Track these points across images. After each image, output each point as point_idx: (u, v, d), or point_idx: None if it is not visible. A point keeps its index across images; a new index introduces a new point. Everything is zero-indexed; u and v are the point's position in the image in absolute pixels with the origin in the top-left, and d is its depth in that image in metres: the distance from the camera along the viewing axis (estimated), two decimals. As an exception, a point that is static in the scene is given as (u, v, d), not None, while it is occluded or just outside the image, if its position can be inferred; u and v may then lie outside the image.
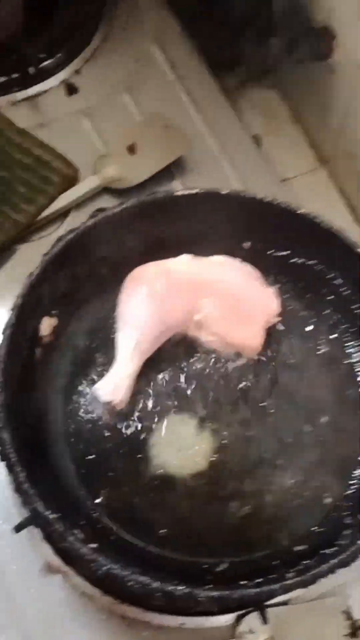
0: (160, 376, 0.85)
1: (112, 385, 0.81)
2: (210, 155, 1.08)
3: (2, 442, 0.72)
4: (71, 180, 1.01)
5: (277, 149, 1.16)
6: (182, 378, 0.85)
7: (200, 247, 0.87)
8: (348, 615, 0.83)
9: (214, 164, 1.08)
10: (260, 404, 0.85)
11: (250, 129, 1.16)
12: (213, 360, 0.86)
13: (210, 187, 0.85)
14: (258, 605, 0.77)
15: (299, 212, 0.85)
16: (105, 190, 1.02)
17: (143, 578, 0.68)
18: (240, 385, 0.86)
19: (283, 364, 0.87)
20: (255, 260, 0.89)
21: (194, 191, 0.84)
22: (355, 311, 0.88)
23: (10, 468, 0.72)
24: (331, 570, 0.71)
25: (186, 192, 0.85)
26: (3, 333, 0.76)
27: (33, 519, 0.73)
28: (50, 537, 0.78)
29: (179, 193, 0.85)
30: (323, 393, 0.86)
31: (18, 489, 0.71)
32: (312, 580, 0.71)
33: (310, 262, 0.89)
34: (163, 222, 0.86)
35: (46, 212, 0.98)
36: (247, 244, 0.89)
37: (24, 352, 0.80)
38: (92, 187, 1.00)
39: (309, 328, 0.90)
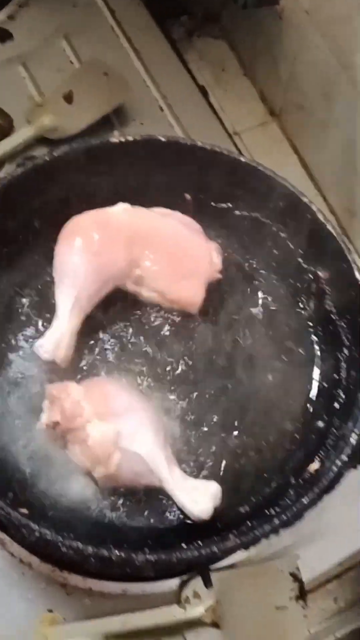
0: (100, 334, 0.82)
1: (54, 343, 0.77)
2: (153, 105, 1.04)
3: None
4: (5, 131, 0.96)
5: (227, 101, 1.12)
6: (123, 335, 0.82)
7: (139, 199, 0.83)
8: (295, 577, 0.81)
9: (157, 114, 1.04)
10: (202, 360, 0.82)
11: (198, 80, 1.11)
12: (156, 315, 0.83)
13: (149, 134, 0.81)
14: (200, 569, 0.74)
15: (242, 160, 0.81)
16: (41, 141, 0.97)
17: (76, 543, 0.65)
18: (181, 342, 0.83)
19: (225, 320, 0.84)
20: (197, 213, 0.85)
21: (131, 138, 0.80)
22: (302, 265, 0.85)
23: None
24: (274, 531, 0.69)
25: (123, 139, 0.80)
26: None
27: None
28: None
29: (115, 140, 0.81)
30: (266, 350, 0.83)
31: None
32: (253, 541, 0.69)
33: (253, 215, 0.86)
34: (99, 172, 0.82)
35: (-22, 164, 0.94)
36: (188, 195, 0.86)
37: None
38: (27, 138, 0.96)
39: (252, 283, 0.87)
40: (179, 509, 0.75)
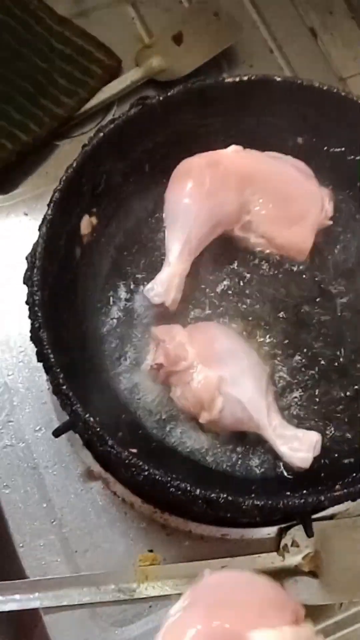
0: (209, 278, 0.81)
1: (165, 286, 0.77)
2: (263, 47, 1.01)
3: (40, 342, 0.69)
4: (113, 72, 0.96)
5: (334, 46, 1.07)
6: (228, 281, 0.81)
7: (250, 141, 0.81)
8: (395, 531, 0.81)
9: (267, 56, 1.01)
10: (309, 310, 0.81)
11: (306, 23, 1.07)
12: (261, 263, 0.82)
13: (263, 74, 0.78)
14: (303, 517, 0.74)
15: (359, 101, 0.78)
16: (150, 82, 0.96)
17: (185, 484, 0.65)
18: (286, 289, 0.82)
19: (334, 269, 0.82)
20: (309, 157, 0.82)
21: (245, 78, 0.78)
22: None
23: (48, 369, 0.69)
24: (380, 483, 0.68)
25: (237, 78, 0.78)
26: (39, 230, 0.72)
27: (72, 423, 0.70)
28: (90, 443, 0.76)
29: (229, 79, 0.78)
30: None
31: (57, 390, 0.69)
32: (360, 493, 0.68)
33: (368, 160, 0.82)
34: (211, 114, 0.80)
35: (87, 106, 0.94)
36: (300, 139, 0.83)
37: (62, 251, 0.76)
38: (136, 79, 0.95)
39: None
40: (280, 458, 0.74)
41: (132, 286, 0.81)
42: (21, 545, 0.78)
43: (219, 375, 0.72)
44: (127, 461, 0.66)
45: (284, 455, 0.72)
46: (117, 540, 0.79)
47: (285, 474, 0.75)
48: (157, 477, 0.66)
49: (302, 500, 0.67)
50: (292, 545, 0.79)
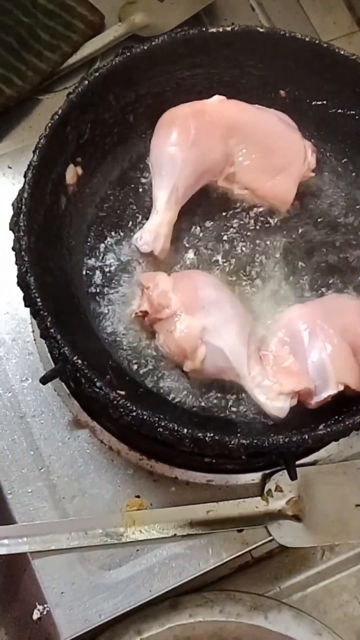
0: (191, 229, 0.82)
1: (153, 234, 0.77)
2: (244, 4, 1.02)
3: (27, 286, 0.69)
4: (96, 28, 0.96)
5: (314, 10, 1.08)
6: (213, 230, 0.82)
7: (234, 92, 0.81)
8: (377, 476, 0.83)
9: (249, 13, 1.01)
10: (291, 261, 0.82)
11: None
12: (246, 212, 0.83)
13: (246, 24, 0.79)
14: (286, 458, 0.76)
15: (342, 53, 0.79)
16: (132, 38, 0.97)
17: (172, 424, 0.67)
18: (269, 238, 0.82)
19: (316, 221, 0.84)
20: (292, 110, 0.84)
21: (228, 28, 0.78)
22: None
23: (36, 313, 0.69)
24: (364, 422, 0.69)
25: (220, 29, 0.79)
26: (25, 176, 0.73)
27: (60, 370, 0.71)
28: (77, 388, 0.76)
29: (213, 30, 0.79)
30: (357, 252, 0.82)
31: (45, 334, 0.69)
32: (344, 432, 0.70)
33: (350, 112, 0.83)
34: (195, 64, 0.81)
35: (71, 61, 0.94)
36: (283, 92, 0.84)
37: (48, 199, 0.76)
38: (118, 35, 0.95)
39: (346, 185, 0.85)
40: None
41: (118, 236, 0.81)
42: (9, 492, 0.79)
43: (201, 325, 0.73)
44: (115, 402, 0.67)
45: (262, 405, 0.73)
46: (104, 487, 0.80)
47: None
48: (145, 417, 0.66)
49: (287, 439, 0.68)
50: (275, 490, 0.81)
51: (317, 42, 0.79)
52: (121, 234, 0.81)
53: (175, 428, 0.67)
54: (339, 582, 0.89)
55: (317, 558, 0.89)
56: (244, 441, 0.67)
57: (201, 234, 0.82)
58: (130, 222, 0.82)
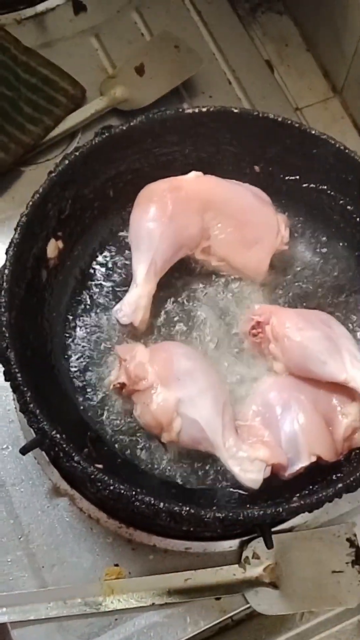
0: (169, 301, 0.84)
1: (133, 306, 0.79)
2: (221, 78, 1.06)
3: (7, 362, 0.71)
4: (78, 101, 0.99)
5: (289, 77, 1.12)
6: (190, 302, 0.84)
7: (210, 168, 0.84)
8: (352, 542, 0.84)
9: (225, 87, 1.05)
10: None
11: (263, 56, 1.12)
12: (225, 284, 0.85)
13: (222, 105, 0.82)
14: (262, 528, 0.77)
15: (312, 132, 0.82)
16: (113, 112, 1.00)
17: (149, 498, 0.68)
18: (243, 310, 0.84)
19: (289, 291, 0.86)
20: (266, 184, 0.86)
21: (204, 108, 0.81)
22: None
23: (16, 388, 0.71)
24: (337, 495, 0.71)
25: (196, 109, 0.82)
26: (6, 253, 0.75)
27: (39, 440, 0.72)
28: (56, 460, 0.77)
29: (189, 110, 0.82)
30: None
31: (24, 409, 0.71)
32: (317, 504, 0.71)
33: (322, 187, 0.86)
34: (171, 142, 0.83)
35: (53, 134, 0.97)
36: (258, 167, 0.87)
37: (29, 273, 0.78)
38: (100, 108, 0.98)
39: (318, 257, 0.88)
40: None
41: (98, 308, 0.83)
42: (-11, 561, 0.79)
43: (176, 397, 0.74)
44: (92, 476, 0.68)
45: (236, 476, 0.74)
46: (83, 555, 0.81)
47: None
48: (122, 491, 0.68)
49: (262, 512, 0.69)
50: (253, 557, 0.82)
51: (289, 122, 0.82)
52: (101, 305, 0.83)
53: (152, 502, 0.68)
54: (317, 643, 0.89)
55: (297, 620, 0.89)
56: (219, 514, 0.68)
57: (179, 305, 0.84)
58: (111, 294, 0.84)
